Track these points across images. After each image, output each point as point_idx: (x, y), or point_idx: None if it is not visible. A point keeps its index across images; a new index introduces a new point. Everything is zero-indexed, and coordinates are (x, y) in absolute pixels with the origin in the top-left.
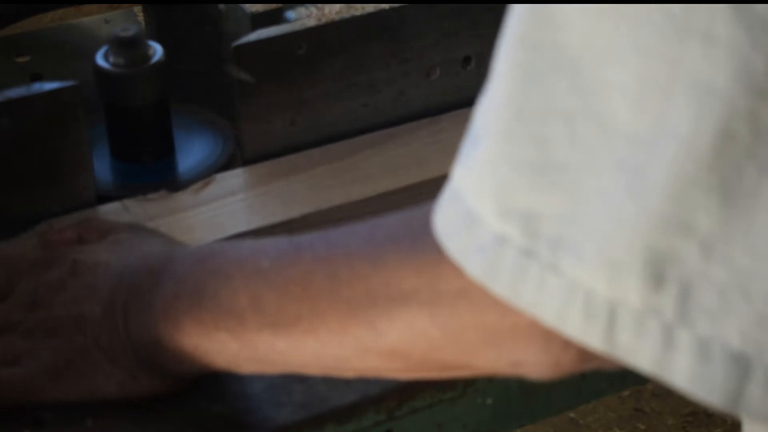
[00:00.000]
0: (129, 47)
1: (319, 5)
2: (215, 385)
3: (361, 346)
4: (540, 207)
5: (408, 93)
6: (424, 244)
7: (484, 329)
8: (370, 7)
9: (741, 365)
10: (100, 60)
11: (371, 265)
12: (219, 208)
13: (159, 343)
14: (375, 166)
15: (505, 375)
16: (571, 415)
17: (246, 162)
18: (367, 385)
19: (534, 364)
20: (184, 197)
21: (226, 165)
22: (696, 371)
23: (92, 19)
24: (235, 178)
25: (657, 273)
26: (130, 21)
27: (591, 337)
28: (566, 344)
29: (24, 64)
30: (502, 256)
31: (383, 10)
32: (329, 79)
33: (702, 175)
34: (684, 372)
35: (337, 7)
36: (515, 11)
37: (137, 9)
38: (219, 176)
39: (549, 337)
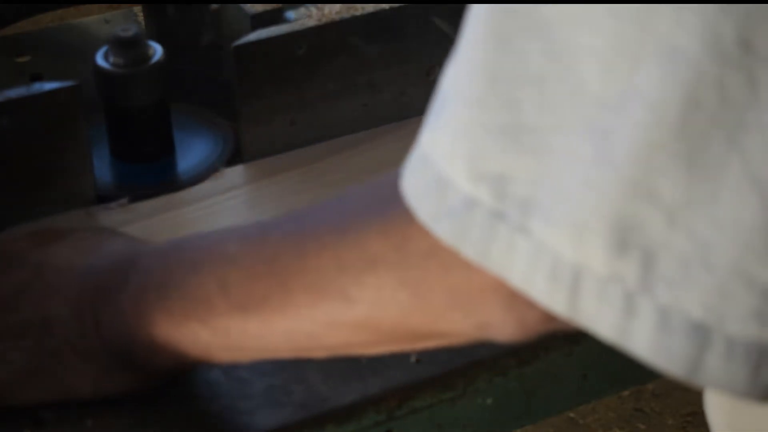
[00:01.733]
0: (129, 47)
1: (319, 5)
2: (215, 385)
3: (331, 320)
4: (511, 170)
5: (408, 93)
6: (392, 209)
7: (451, 290)
8: (370, 7)
9: (700, 335)
10: (100, 60)
11: (339, 233)
12: (217, 205)
13: (131, 339)
14: (375, 162)
15: (473, 339)
16: (571, 415)
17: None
18: (367, 385)
19: (500, 325)
20: (182, 195)
21: (226, 165)
22: (656, 340)
23: (92, 19)
24: (233, 175)
25: (621, 239)
26: (130, 21)
27: (555, 301)
28: (531, 304)
29: (24, 64)
30: (472, 218)
31: (383, 10)
32: (329, 79)
33: (668, 142)
34: (644, 340)
35: (337, 7)
36: None
37: (137, 9)
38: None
39: (514, 297)
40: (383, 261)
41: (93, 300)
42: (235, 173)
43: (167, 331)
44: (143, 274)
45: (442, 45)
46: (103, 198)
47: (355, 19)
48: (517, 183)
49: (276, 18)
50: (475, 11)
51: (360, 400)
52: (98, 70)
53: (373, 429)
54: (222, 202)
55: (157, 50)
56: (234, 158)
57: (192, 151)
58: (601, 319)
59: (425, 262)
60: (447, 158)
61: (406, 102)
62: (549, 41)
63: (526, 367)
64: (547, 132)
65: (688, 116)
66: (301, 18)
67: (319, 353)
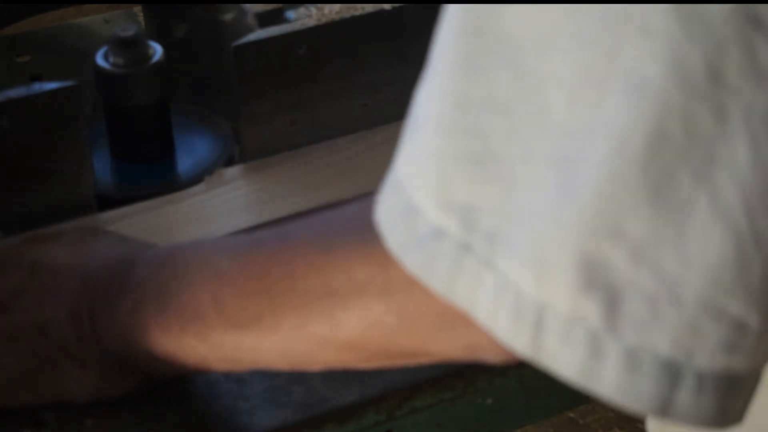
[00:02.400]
0: (129, 47)
1: (319, 5)
2: (215, 385)
3: (321, 339)
4: (478, 200)
5: (408, 93)
6: (374, 233)
7: (437, 314)
8: (370, 7)
9: (671, 372)
10: (100, 60)
11: (325, 256)
12: (217, 205)
13: (129, 348)
14: (375, 162)
15: (464, 360)
16: (571, 415)
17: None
18: (367, 385)
19: (489, 347)
20: (182, 195)
21: (226, 165)
22: (624, 381)
23: (92, 19)
24: (233, 175)
25: (585, 278)
26: (130, 21)
27: (518, 340)
28: None
29: (24, 64)
30: (439, 249)
31: (383, 10)
32: (329, 79)
33: (632, 177)
34: (611, 382)
35: (337, 7)
36: None
37: (137, 9)
38: (217, 173)
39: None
40: (369, 286)
41: (91, 308)
42: (235, 173)
43: (165, 345)
44: (139, 286)
45: None
46: (103, 198)
47: (355, 19)
48: (483, 214)
49: (276, 18)
50: (443, 34)
51: (360, 400)
52: (98, 70)
53: (373, 429)
54: (222, 202)
55: (157, 50)
56: (234, 158)
57: (192, 151)
58: (565, 361)
59: (409, 287)
60: (417, 186)
61: (406, 102)
62: (517, 68)
63: (526, 367)
64: (513, 162)
65: (654, 150)
66: (301, 18)
67: (315, 367)
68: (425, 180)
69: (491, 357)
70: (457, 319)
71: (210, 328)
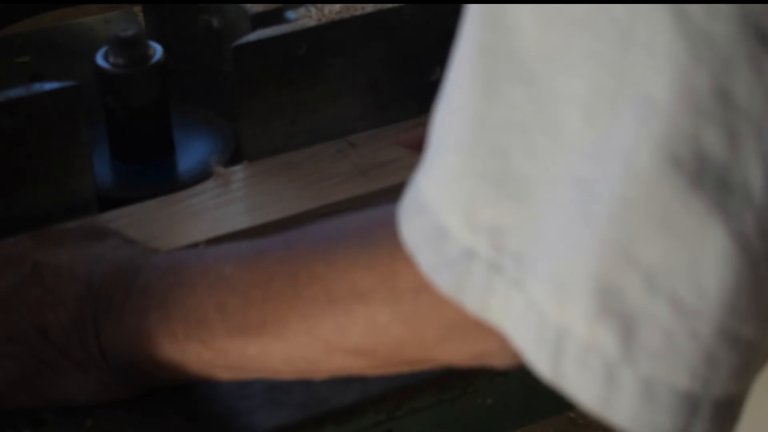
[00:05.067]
0: (129, 47)
1: (319, 5)
2: (215, 385)
3: (327, 347)
4: (505, 220)
5: (408, 93)
6: (378, 243)
7: (445, 323)
8: (370, 7)
9: (688, 405)
10: (100, 60)
11: (327, 265)
12: (217, 205)
13: (132, 356)
14: (375, 162)
15: (472, 366)
16: (571, 415)
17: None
18: (367, 385)
19: (497, 354)
20: (182, 195)
21: (226, 165)
22: (640, 412)
23: (92, 19)
24: (233, 175)
25: (600, 304)
26: (130, 21)
27: (541, 363)
28: None
29: (24, 64)
30: (470, 270)
31: (383, 10)
32: (329, 79)
33: (644, 201)
34: (627, 412)
35: (337, 7)
36: (470, 13)
37: (137, 9)
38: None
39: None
40: (372, 295)
41: (95, 314)
42: (235, 173)
43: (170, 352)
44: (144, 294)
45: (442, 45)
46: (103, 198)
47: (355, 19)
48: (510, 234)
49: (276, 18)
50: (460, 54)
51: (360, 400)
52: (98, 70)
53: (373, 429)
54: (222, 202)
55: (157, 50)
56: (234, 158)
57: (192, 151)
58: (583, 387)
59: (415, 297)
60: (444, 207)
61: (407, 102)
62: (533, 87)
63: (526, 367)
64: (534, 182)
65: (665, 173)
66: (301, 18)
67: (320, 375)
68: (452, 201)
69: (499, 363)
70: (466, 328)
71: (215, 335)
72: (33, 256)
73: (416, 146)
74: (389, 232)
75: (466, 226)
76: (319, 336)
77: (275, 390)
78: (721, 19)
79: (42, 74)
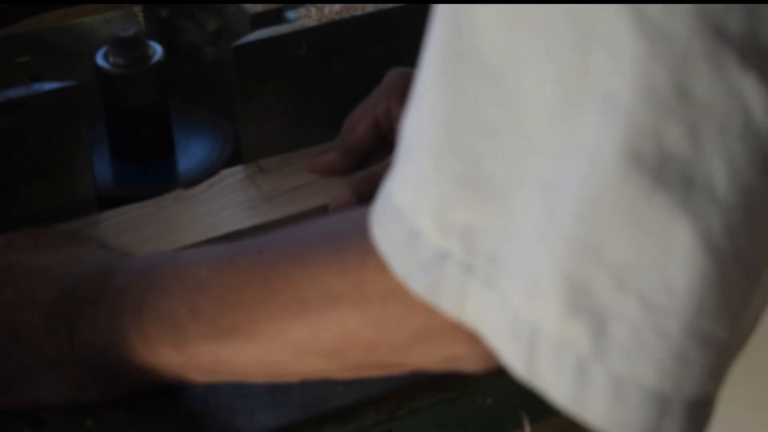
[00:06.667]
0: (129, 47)
1: (319, 5)
2: (215, 385)
3: (299, 350)
4: (476, 222)
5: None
6: (349, 247)
7: (414, 328)
8: (370, 7)
9: (658, 404)
10: (100, 60)
11: (301, 268)
12: (217, 205)
13: (105, 358)
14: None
15: (443, 371)
16: None
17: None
18: (367, 385)
19: (467, 358)
20: (181, 194)
21: (226, 165)
22: (611, 411)
23: (92, 19)
24: (233, 175)
25: (571, 301)
26: (130, 21)
27: (516, 362)
28: None
29: (24, 64)
30: (444, 272)
31: (383, 10)
32: (329, 79)
33: (609, 199)
34: (598, 411)
35: (337, 7)
36: (437, 15)
37: (137, 9)
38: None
39: (476, 333)
40: (343, 300)
41: (68, 316)
42: (235, 173)
43: (143, 355)
44: (119, 296)
45: None
46: (103, 198)
47: (355, 19)
48: (482, 235)
49: (276, 18)
50: (428, 56)
51: (360, 400)
52: (98, 70)
53: (373, 429)
54: (222, 202)
55: (157, 50)
56: (234, 158)
57: (192, 151)
58: (556, 385)
59: (385, 302)
60: (415, 210)
61: None
62: (499, 88)
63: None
64: (504, 183)
65: (628, 171)
66: (301, 18)
67: (292, 378)
68: (424, 204)
69: (471, 367)
70: (435, 332)
71: (187, 339)
72: (6, 258)
73: (325, 171)
74: (362, 236)
75: (438, 228)
76: (291, 340)
77: (275, 390)
78: (678, 17)
79: (42, 74)
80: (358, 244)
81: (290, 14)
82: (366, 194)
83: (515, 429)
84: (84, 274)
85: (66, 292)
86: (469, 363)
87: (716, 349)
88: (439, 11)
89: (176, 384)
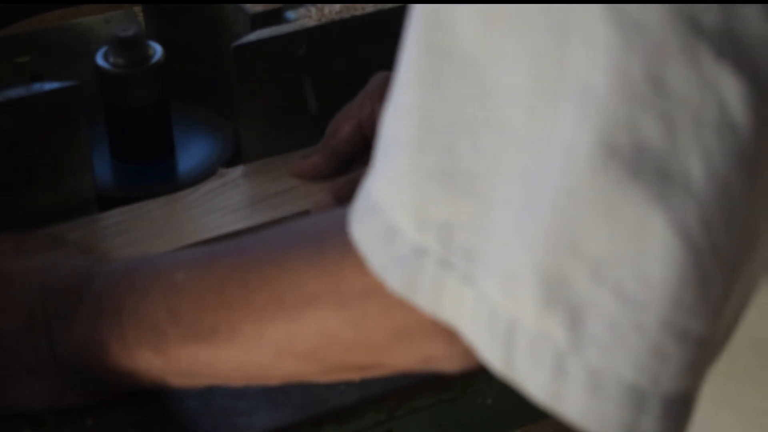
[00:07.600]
0: (129, 47)
1: (319, 5)
2: (215, 385)
3: (278, 351)
4: (453, 217)
5: None
6: (328, 247)
7: (392, 327)
8: (370, 7)
9: (635, 398)
10: (100, 60)
11: (279, 268)
12: (217, 205)
13: (85, 362)
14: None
15: (421, 371)
16: None
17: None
18: (367, 385)
19: (444, 358)
20: (182, 195)
21: (226, 165)
22: (588, 405)
23: (92, 19)
24: (233, 175)
25: (548, 294)
26: (130, 21)
27: (493, 357)
28: None
29: (24, 64)
30: (421, 268)
31: (383, 10)
32: (329, 79)
33: (585, 191)
34: (575, 405)
35: (337, 7)
36: (414, 13)
37: (137, 9)
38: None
39: (453, 330)
40: (321, 300)
41: (47, 320)
42: (235, 173)
43: (121, 357)
44: (97, 298)
45: None
46: (103, 198)
47: (355, 19)
48: (460, 230)
49: (276, 18)
50: (406, 53)
51: (360, 400)
52: (98, 70)
53: (373, 429)
54: (222, 202)
55: (157, 50)
56: (234, 158)
57: (192, 151)
58: (533, 380)
59: (363, 302)
60: (393, 206)
61: None
62: (476, 82)
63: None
64: (482, 177)
65: (603, 163)
66: (301, 18)
67: (272, 381)
68: (401, 200)
69: (448, 367)
70: (413, 332)
71: (166, 342)
72: None
73: (308, 175)
74: (341, 235)
75: (416, 224)
76: (269, 341)
77: (275, 390)
78: (652, 9)
79: (42, 74)
80: (337, 243)
81: (290, 14)
82: (347, 199)
83: (515, 429)
84: (63, 279)
85: (46, 296)
86: (446, 363)
87: (694, 344)
88: (416, 8)
89: (157, 388)
